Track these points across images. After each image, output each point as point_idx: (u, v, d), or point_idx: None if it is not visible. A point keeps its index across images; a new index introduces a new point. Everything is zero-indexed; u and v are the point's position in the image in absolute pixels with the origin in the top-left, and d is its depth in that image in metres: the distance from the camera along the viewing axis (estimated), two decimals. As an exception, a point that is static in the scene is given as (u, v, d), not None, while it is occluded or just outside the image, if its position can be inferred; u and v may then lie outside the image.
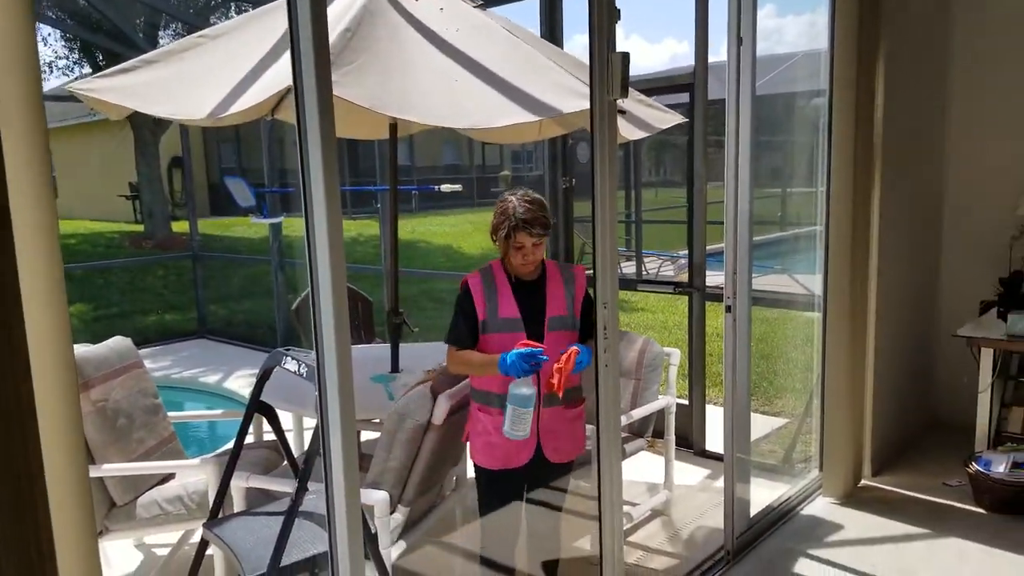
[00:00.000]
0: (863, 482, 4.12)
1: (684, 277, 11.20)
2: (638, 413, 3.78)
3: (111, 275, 12.83)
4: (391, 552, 2.91)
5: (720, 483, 4.39)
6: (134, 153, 14.80)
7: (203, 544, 2.43)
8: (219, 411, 4.38)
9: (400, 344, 4.11)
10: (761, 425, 5.52)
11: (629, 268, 11.93)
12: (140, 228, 15.80)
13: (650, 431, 3.94)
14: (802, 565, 3.36)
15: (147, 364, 3.90)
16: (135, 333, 9.69)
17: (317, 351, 1.82)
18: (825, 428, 3.94)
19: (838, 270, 3.76)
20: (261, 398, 2.47)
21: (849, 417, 3.90)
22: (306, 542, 2.11)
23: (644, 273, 11.74)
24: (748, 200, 3.26)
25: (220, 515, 2.59)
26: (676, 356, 3.99)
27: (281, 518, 2.10)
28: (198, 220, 9.61)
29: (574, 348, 2.58)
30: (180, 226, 14.59)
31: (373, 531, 2.31)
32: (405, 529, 3.08)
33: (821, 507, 3.91)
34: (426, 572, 3.38)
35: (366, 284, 6.82)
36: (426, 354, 4.49)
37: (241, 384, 6.66)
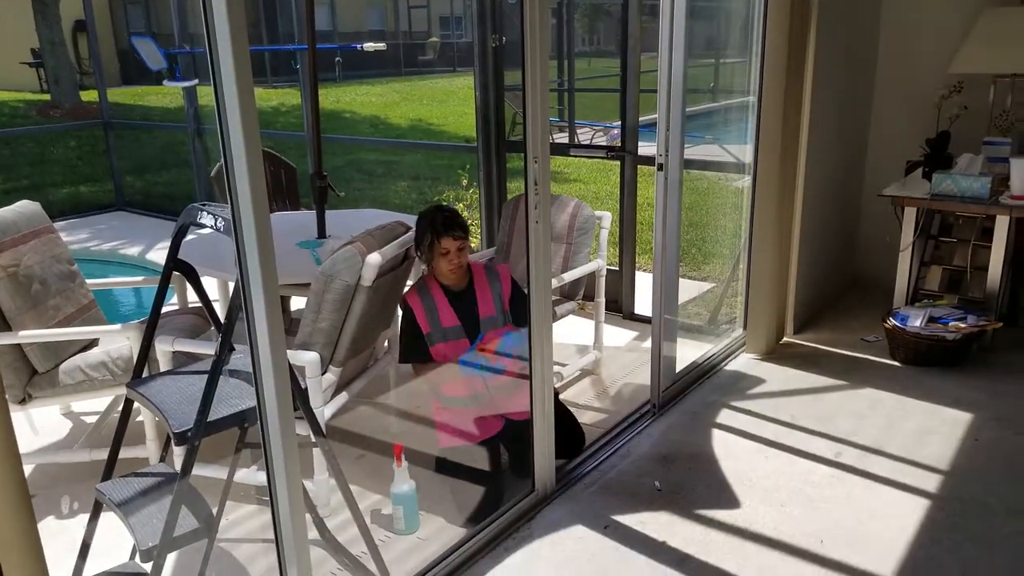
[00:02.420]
0: (785, 339, 4.28)
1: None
2: (569, 276, 3.81)
3: (19, 145, 12.09)
4: (324, 411, 2.92)
5: (648, 344, 4.53)
6: (32, 16, 13.68)
7: (128, 404, 2.38)
8: (139, 278, 4.23)
9: (327, 211, 4.00)
10: (689, 289, 5.65)
11: (562, 138, 11.81)
12: (47, 97, 14.82)
13: (580, 294, 3.99)
14: (724, 415, 3.52)
15: (64, 237, 3.73)
16: (49, 206, 9.27)
17: (232, 206, 1.73)
18: (751, 289, 4.05)
19: (769, 136, 3.77)
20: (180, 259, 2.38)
21: (774, 278, 4.00)
22: (234, 398, 2.09)
23: (576, 141, 11.65)
24: (683, 58, 3.19)
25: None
26: (607, 220, 3.99)
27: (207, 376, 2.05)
28: (107, 90, 9.04)
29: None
30: (90, 95, 13.75)
31: (304, 387, 2.30)
32: (337, 390, 3.08)
33: (744, 363, 4.06)
34: (360, 431, 3.43)
35: (291, 155, 6.58)
36: (353, 221, 4.40)
37: (163, 256, 6.45)
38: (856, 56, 4.62)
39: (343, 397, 3.12)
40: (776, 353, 4.15)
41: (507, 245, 4.13)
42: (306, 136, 6.50)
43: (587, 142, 11.80)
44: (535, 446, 2.78)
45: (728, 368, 4.01)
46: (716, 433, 3.36)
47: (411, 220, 4.36)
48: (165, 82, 7.00)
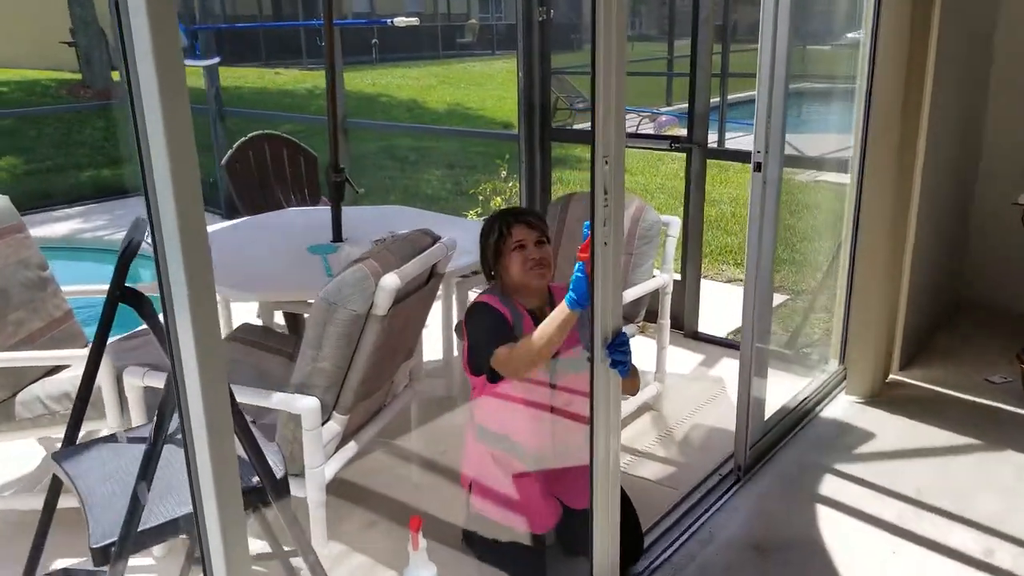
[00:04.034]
0: (891, 377, 3.57)
1: (670, 132, 10.42)
2: (631, 294, 3.16)
3: (46, 126, 11.72)
4: (324, 470, 2.32)
5: (715, 371, 3.86)
6: (65, -7, 13.32)
7: (56, 482, 1.81)
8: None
9: (347, 208, 3.40)
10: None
11: (608, 126, 11.09)
12: (79, 77, 14.45)
13: (642, 314, 3.34)
14: (830, 484, 2.81)
15: (79, 223, 3.16)
16: (69, 189, 8.83)
17: (153, 229, 1.13)
18: (852, 313, 3.34)
19: (884, 131, 3.06)
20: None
21: (883, 300, 3.29)
22: (177, 495, 1.49)
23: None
24: (787, 39, 2.51)
25: (80, 435, 1.96)
26: (676, 226, 3.33)
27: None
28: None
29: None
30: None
31: (280, 474, 1.71)
32: (343, 440, 2.48)
33: (844, 408, 3.35)
34: (373, 485, 2.82)
35: (320, 141, 6.00)
36: (376, 221, 3.79)
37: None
38: (975, 50, 3.89)
39: (350, 448, 2.51)
40: (882, 396, 3.42)
41: (555, 249, 3.49)
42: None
43: (633, 128, 11.06)
44: (595, 535, 2.14)
45: (825, 415, 3.30)
46: (822, 511, 2.67)
47: (442, 218, 3.86)
48: (185, 61, 6.44)
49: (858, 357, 3.36)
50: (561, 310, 2.04)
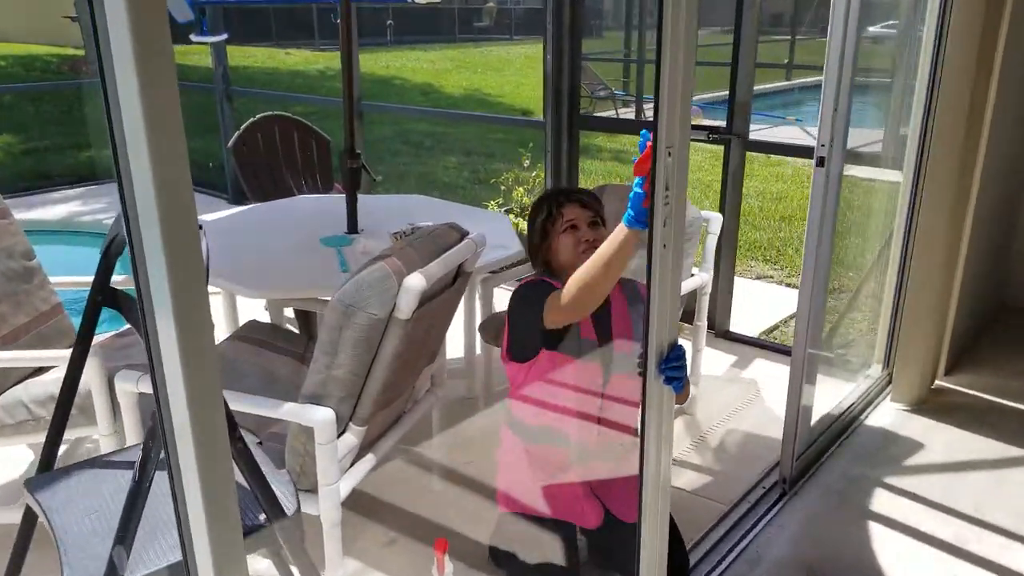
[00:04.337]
0: (936, 383, 3.34)
1: (697, 122, 10.17)
2: (668, 295, 2.92)
3: (44, 102, 11.45)
4: (340, 488, 2.10)
5: (748, 373, 3.64)
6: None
7: (30, 513, 1.59)
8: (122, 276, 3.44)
9: (362, 197, 3.16)
10: (779, 297, 4.72)
11: (627, 114, 10.83)
12: (82, 53, 14.20)
13: (679, 314, 3.09)
14: (881, 499, 2.59)
15: (78, 206, 2.93)
16: (68, 169, 8.58)
17: (131, 241, 0.89)
18: (904, 316, 3.10)
19: (949, 124, 2.80)
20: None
21: (936, 302, 3.05)
22: (170, 536, 1.27)
23: (645, 118, 10.66)
24: (856, 27, 2.26)
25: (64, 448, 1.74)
26: (717, 222, 3.08)
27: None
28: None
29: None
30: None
31: (292, 509, 1.49)
32: (361, 452, 2.26)
33: (890, 416, 3.12)
34: (392, 499, 2.59)
35: (332, 125, 5.76)
36: (395, 209, 3.56)
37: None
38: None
39: (368, 461, 2.29)
40: (928, 404, 3.19)
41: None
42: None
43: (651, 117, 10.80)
44: (642, 557, 1.91)
45: (870, 423, 3.07)
46: (874, 529, 2.45)
47: (464, 209, 3.63)
48: (192, 36, 6.19)
49: (906, 362, 3.13)
50: (619, 229, 1.82)
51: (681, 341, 2.96)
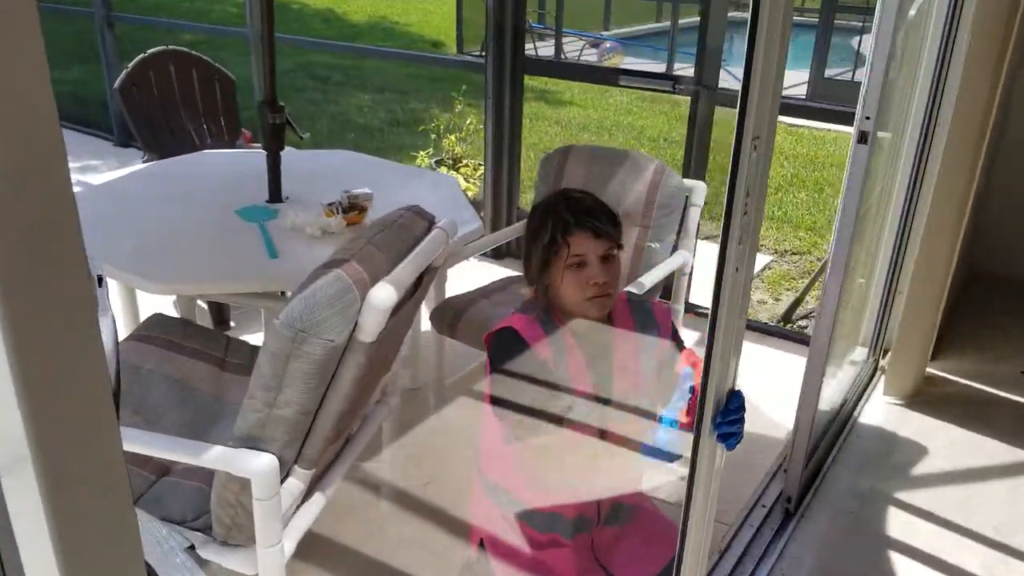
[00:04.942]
0: (926, 370, 3.09)
1: (614, 62, 9.70)
2: (650, 279, 2.56)
3: None
4: (284, 547, 1.67)
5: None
6: None
7: None
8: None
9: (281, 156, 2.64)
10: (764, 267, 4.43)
11: (545, 50, 10.31)
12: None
13: (656, 297, 2.74)
14: (896, 521, 2.31)
15: None
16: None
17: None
18: (899, 297, 2.82)
19: (971, 96, 2.48)
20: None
21: (939, 281, 2.77)
22: None
23: (563, 57, 10.16)
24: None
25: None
26: (701, 192, 2.71)
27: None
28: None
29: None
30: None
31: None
32: (307, 493, 1.82)
33: (884, 412, 2.85)
34: (344, 539, 2.16)
35: (228, 56, 5.07)
36: (320, 170, 3.04)
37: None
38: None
39: (315, 503, 1.85)
40: (920, 396, 2.94)
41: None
42: (249, 35, 4.97)
43: (574, 55, 10.30)
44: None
45: (864, 421, 2.80)
46: (897, 561, 2.17)
47: (400, 170, 3.04)
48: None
49: (901, 351, 2.87)
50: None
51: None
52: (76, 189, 2.01)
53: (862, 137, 1.86)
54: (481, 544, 1.85)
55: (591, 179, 2.77)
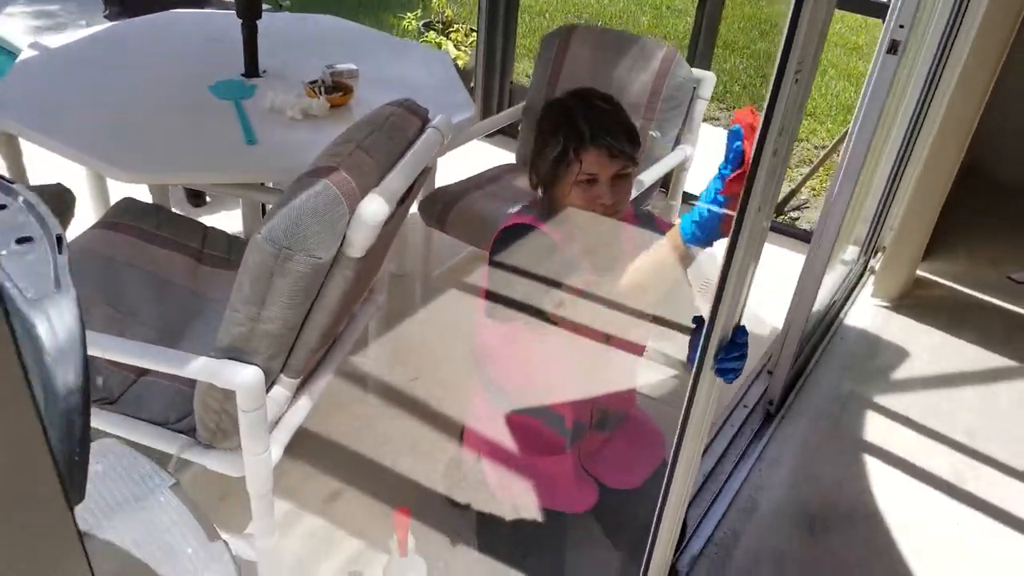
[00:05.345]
0: (916, 272, 3.05)
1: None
2: (651, 174, 2.45)
3: None
4: (271, 454, 1.64)
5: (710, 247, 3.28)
6: None
7: None
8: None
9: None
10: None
11: None
12: None
13: (654, 194, 2.65)
14: (874, 425, 2.33)
15: None
16: None
17: None
18: (901, 196, 2.72)
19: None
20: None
21: (943, 180, 2.66)
22: None
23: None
24: None
25: None
26: (709, 84, 2.56)
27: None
28: None
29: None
30: None
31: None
32: (296, 396, 1.77)
33: (870, 314, 2.83)
34: (333, 435, 2.13)
35: None
36: (302, 37, 2.83)
37: (13, 27, 4.64)
38: None
39: (302, 407, 1.81)
40: (910, 298, 2.91)
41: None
42: None
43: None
44: (657, 544, 1.57)
45: (849, 323, 2.78)
46: (873, 465, 2.21)
47: (389, 42, 2.79)
48: None
49: (896, 252, 2.80)
50: (668, 246, 1.35)
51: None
52: (31, 54, 1.84)
53: (892, 47, 1.71)
54: (469, 446, 1.84)
55: (595, 64, 2.60)
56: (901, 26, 1.70)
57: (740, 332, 1.31)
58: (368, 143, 1.56)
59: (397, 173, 1.56)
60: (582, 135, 1.49)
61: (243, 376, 1.50)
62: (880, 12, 2.03)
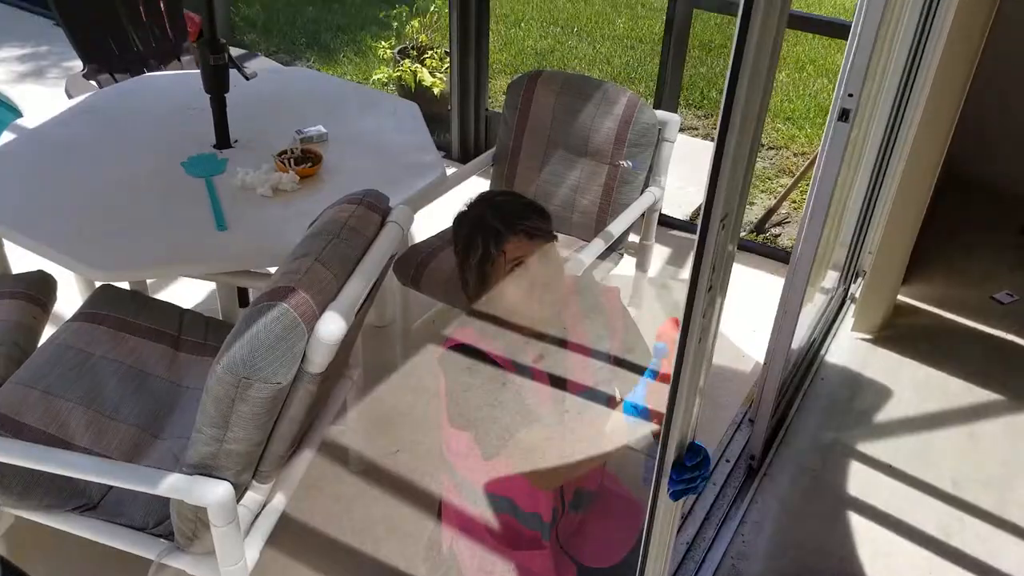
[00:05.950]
0: (896, 298, 3.03)
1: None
2: (621, 223, 2.47)
3: None
4: (247, 562, 1.67)
5: (686, 271, 3.26)
6: None
7: None
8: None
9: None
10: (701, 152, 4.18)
11: None
12: None
13: (627, 240, 2.66)
14: (858, 478, 2.30)
15: None
16: None
17: None
18: (889, 223, 2.65)
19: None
20: None
21: (920, 197, 2.60)
22: None
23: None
24: None
25: None
26: (674, 126, 2.56)
27: None
28: None
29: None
30: None
31: None
32: (272, 490, 1.80)
33: (850, 348, 2.79)
34: (310, 522, 2.15)
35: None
36: (273, 97, 2.83)
37: (8, 72, 4.65)
38: None
39: (278, 503, 1.83)
40: (891, 328, 2.87)
41: (513, 149, 2.71)
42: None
43: None
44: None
45: (831, 360, 2.75)
46: (857, 523, 2.19)
47: (361, 93, 2.55)
48: None
49: (876, 280, 2.76)
50: (611, 428, 1.50)
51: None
52: (10, 137, 1.85)
53: (843, 115, 1.72)
54: (446, 525, 1.86)
55: (560, 109, 2.61)
56: (850, 95, 1.69)
57: (690, 455, 1.30)
58: (326, 255, 1.57)
59: (356, 280, 1.58)
60: (498, 231, 1.54)
61: (213, 493, 1.52)
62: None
